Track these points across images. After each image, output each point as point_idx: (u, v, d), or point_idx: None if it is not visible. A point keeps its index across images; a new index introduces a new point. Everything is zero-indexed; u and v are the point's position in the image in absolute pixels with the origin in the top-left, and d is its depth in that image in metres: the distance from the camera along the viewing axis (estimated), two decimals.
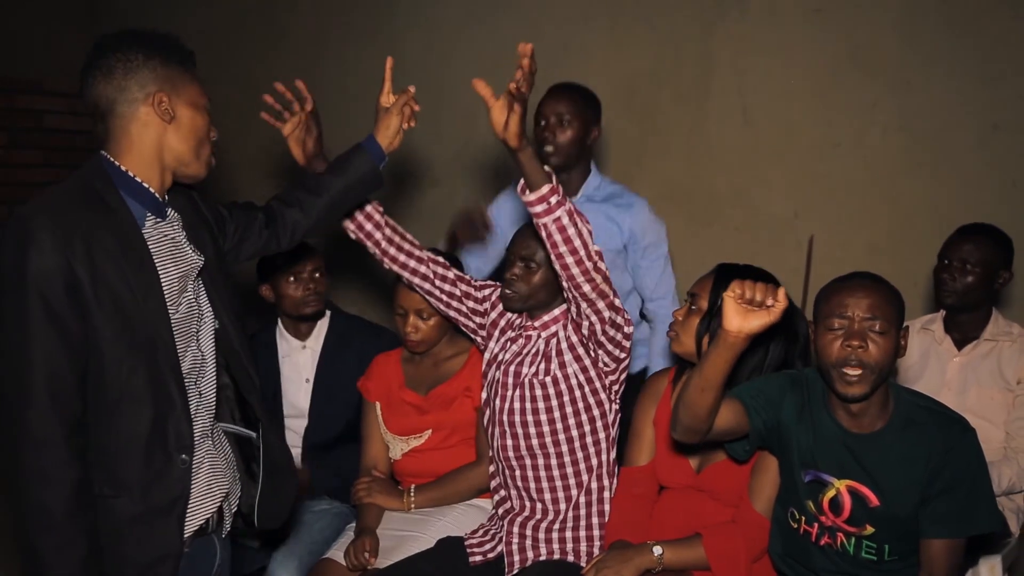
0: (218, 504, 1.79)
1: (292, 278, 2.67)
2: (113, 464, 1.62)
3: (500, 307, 2.36)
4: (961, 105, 3.06)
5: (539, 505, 2.26)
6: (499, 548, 2.28)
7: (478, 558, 2.27)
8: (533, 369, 2.23)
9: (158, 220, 1.71)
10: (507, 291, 2.23)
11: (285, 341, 2.79)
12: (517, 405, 2.24)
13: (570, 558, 2.23)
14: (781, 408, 1.95)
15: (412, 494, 2.47)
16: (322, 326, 2.79)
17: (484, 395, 2.36)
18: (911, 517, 1.85)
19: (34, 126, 4.41)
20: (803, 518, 1.96)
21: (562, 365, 2.20)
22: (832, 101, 3.25)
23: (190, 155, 1.71)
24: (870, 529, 1.88)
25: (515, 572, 2.22)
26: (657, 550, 2.04)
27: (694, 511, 2.13)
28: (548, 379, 2.20)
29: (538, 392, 2.21)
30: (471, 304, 2.37)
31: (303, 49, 4.25)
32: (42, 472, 1.54)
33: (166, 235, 1.71)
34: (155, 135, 1.67)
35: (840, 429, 1.90)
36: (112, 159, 1.67)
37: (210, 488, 1.77)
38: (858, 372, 1.79)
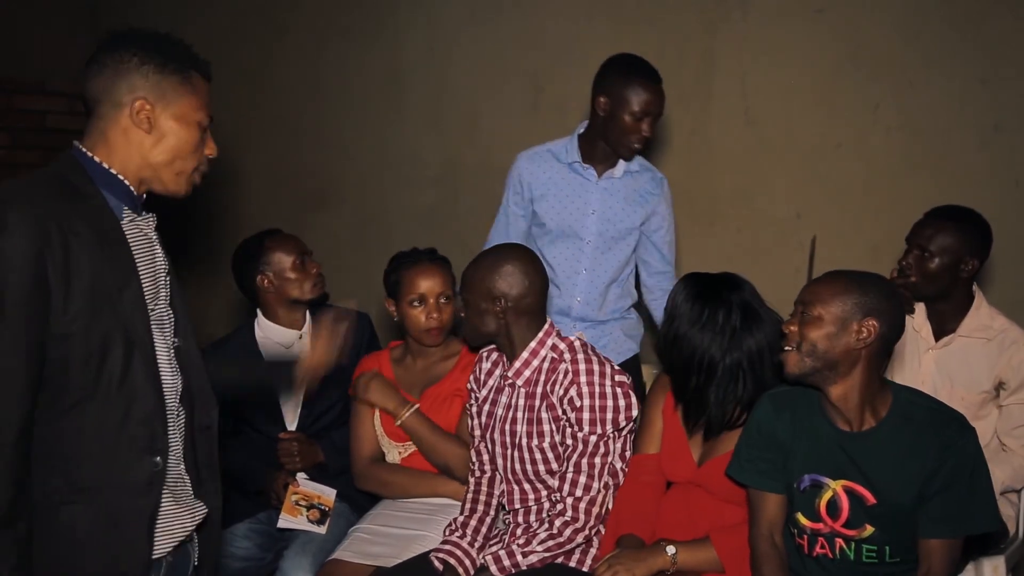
0: (195, 524, 1.68)
1: (297, 261, 2.67)
2: (72, 468, 1.49)
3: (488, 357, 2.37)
4: (963, 106, 3.06)
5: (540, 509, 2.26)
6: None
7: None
8: (524, 428, 2.23)
9: (134, 215, 1.62)
10: (465, 331, 2.27)
11: (274, 337, 2.72)
12: (518, 466, 2.25)
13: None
14: (779, 440, 1.98)
15: (412, 412, 2.43)
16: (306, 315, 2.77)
17: (479, 433, 2.36)
18: (909, 515, 1.86)
19: (36, 127, 4.39)
20: (795, 531, 1.98)
21: (554, 428, 2.19)
22: (834, 102, 3.25)
23: (166, 170, 1.62)
24: (869, 529, 1.89)
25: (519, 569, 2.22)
26: (670, 550, 2.05)
27: (694, 507, 2.15)
28: (546, 444, 2.20)
29: (537, 455, 2.22)
30: None
31: (304, 48, 4.24)
32: None
33: (141, 230, 1.63)
34: (134, 142, 1.60)
35: (834, 430, 1.92)
36: (85, 150, 1.61)
37: (191, 509, 1.66)
38: (787, 347, 1.88)
